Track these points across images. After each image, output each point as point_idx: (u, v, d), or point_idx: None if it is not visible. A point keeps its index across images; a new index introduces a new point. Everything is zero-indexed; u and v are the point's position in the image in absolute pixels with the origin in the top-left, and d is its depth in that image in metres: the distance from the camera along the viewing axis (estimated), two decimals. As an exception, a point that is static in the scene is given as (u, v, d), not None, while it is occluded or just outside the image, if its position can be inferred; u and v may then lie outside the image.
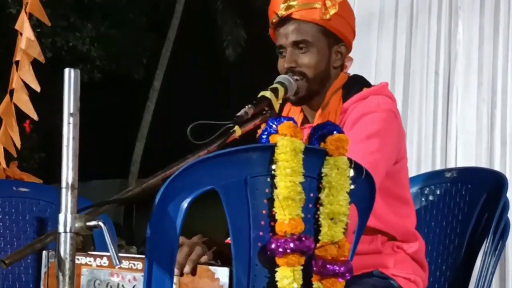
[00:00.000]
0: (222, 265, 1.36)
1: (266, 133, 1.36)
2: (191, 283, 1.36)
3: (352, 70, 1.91)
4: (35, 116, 2.99)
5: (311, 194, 1.35)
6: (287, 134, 1.32)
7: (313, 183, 1.35)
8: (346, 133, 1.67)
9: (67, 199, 1.23)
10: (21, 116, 3.07)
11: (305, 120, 1.84)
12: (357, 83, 1.80)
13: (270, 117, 1.44)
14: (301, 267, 1.30)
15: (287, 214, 1.29)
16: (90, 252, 1.54)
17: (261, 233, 1.30)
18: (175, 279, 1.36)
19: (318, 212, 1.36)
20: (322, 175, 1.35)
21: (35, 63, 3.00)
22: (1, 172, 2.94)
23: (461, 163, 3.02)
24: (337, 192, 1.34)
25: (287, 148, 1.30)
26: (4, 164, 2.96)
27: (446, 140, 3.13)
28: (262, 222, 1.30)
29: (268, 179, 1.31)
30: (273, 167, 1.31)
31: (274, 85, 1.68)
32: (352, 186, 1.36)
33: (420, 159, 3.15)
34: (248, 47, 12.27)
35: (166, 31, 12.60)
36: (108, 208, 1.33)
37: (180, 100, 12.74)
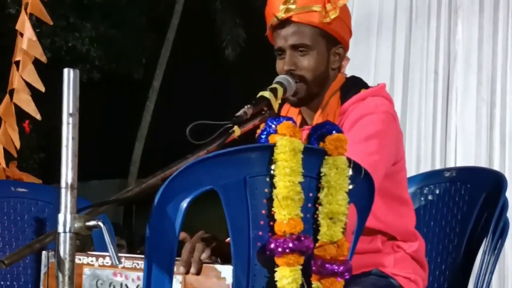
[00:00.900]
0: (223, 263, 1.36)
1: (265, 133, 1.36)
2: (197, 282, 1.36)
3: (351, 70, 1.92)
4: (38, 116, 2.99)
5: (310, 194, 1.35)
6: (286, 134, 1.32)
7: (312, 182, 1.35)
8: (345, 134, 1.67)
9: (66, 199, 1.23)
10: (20, 116, 3.06)
11: (304, 122, 1.84)
12: (355, 85, 1.80)
13: (269, 117, 1.44)
14: (300, 267, 1.30)
15: (286, 214, 1.29)
16: (91, 252, 1.54)
17: (260, 233, 1.30)
18: (180, 278, 1.36)
19: (317, 212, 1.36)
20: (321, 174, 1.35)
21: (35, 64, 3.00)
22: (0, 172, 2.94)
23: (461, 163, 3.03)
24: (336, 191, 1.34)
25: (286, 148, 1.30)
26: (4, 164, 2.95)
27: (445, 139, 3.13)
28: (262, 222, 1.31)
29: (267, 179, 1.31)
30: (272, 167, 1.31)
31: (273, 85, 1.68)
32: (351, 186, 1.36)
33: (420, 159, 3.16)
34: (248, 47, 12.27)
35: (165, 31, 12.60)
36: (108, 208, 1.33)
37: (180, 100, 12.73)
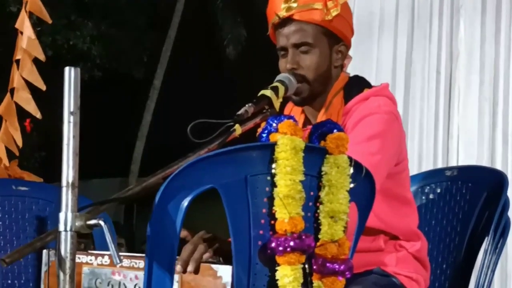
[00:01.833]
0: (224, 263, 1.36)
1: (266, 131, 1.36)
2: (193, 281, 1.36)
3: (353, 69, 1.91)
4: (38, 115, 2.99)
5: (311, 193, 1.35)
6: (287, 133, 1.32)
7: (313, 181, 1.35)
8: (348, 134, 1.67)
9: (67, 197, 1.23)
10: (21, 115, 3.06)
11: (307, 121, 1.84)
12: (358, 84, 1.80)
13: (270, 116, 1.44)
14: (301, 266, 1.30)
15: (287, 213, 1.29)
16: (91, 251, 1.54)
17: (261, 232, 1.30)
18: (177, 277, 1.36)
19: (318, 211, 1.36)
20: (322, 173, 1.35)
21: (35, 62, 3.00)
22: (2, 171, 2.94)
23: (463, 162, 3.02)
24: (337, 190, 1.34)
25: (287, 147, 1.30)
26: (6, 163, 2.96)
27: (447, 138, 3.13)
28: (262, 221, 1.30)
29: (268, 178, 1.31)
30: (273, 165, 1.31)
31: (275, 84, 1.68)
32: (352, 185, 1.36)
33: (422, 158, 3.16)
34: (249, 45, 12.27)
35: (166, 30, 12.60)
36: (109, 207, 1.33)
37: (181, 99, 12.73)
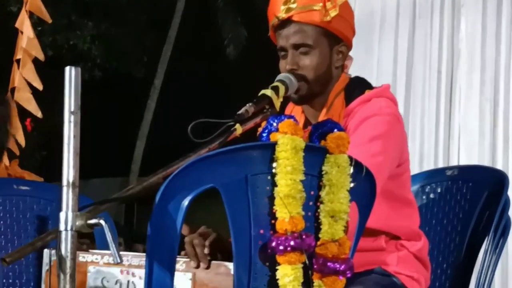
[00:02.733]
0: (225, 258, 1.36)
1: (266, 131, 1.36)
2: (206, 278, 1.36)
3: (354, 68, 1.91)
4: (39, 114, 2.99)
5: (312, 192, 1.35)
6: (288, 132, 1.32)
7: (313, 181, 1.35)
8: (349, 136, 1.67)
9: (68, 197, 1.23)
10: (22, 114, 3.07)
11: (307, 122, 1.84)
12: (359, 85, 1.80)
13: (271, 115, 1.44)
14: (302, 265, 1.30)
15: (287, 212, 1.29)
16: (96, 250, 1.54)
17: (261, 231, 1.30)
18: (190, 274, 1.37)
19: (319, 210, 1.36)
20: (323, 173, 1.35)
21: (35, 62, 3.01)
22: (2, 170, 2.94)
23: (464, 161, 3.02)
24: (337, 190, 1.34)
25: (288, 146, 1.30)
26: (7, 162, 2.96)
27: (448, 138, 3.13)
28: (263, 220, 1.30)
29: (269, 177, 1.31)
30: (274, 165, 1.31)
31: (275, 83, 1.68)
32: (353, 184, 1.36)
33: (423, 158, 3.15)
34: (249, 45, 12.26)
35: (167, 30, 12.59)
36: (109, 207, 1.33)
37: (181, 98, 12.73)
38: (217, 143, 1.45)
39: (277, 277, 1.30)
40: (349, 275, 1.35)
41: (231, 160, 1.29)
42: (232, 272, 1.32)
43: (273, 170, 1.31)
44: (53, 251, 1.54)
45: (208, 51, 12.83)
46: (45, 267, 1.57)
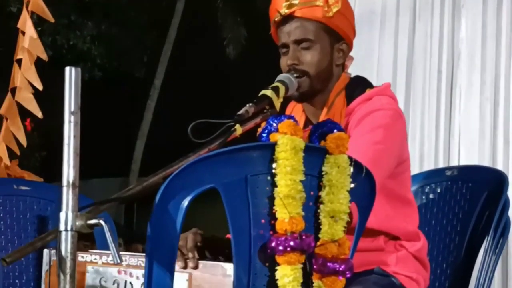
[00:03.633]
0: (214, 257, 1.37)
1: (266, 131, 1.36)
2: (202, 279, 1.37)
3: (354, 68, 1.91)
4: (39, 114, 2.99)
5: (312, 193, 1.35)
6: (288, 132, 1.32)
7: (313, 181, 1.35)
8: (351, 132, 1.67)
9: (68, 197, 1.23)
10: (22, 114, 3.07)
11: (308, 122, 1.84)
12: (360, 84, 1.81)
13: (271, 116, 1.44)
14: (302, 266, 1.31)
15: (287, 213, 1.29)
16: (95, 250, 1.54)
17: (261, 232, 1.30)
18: (187, 275, 1.37)
19: (319, 210, 1.36)
20: (323, 173, 1.35)
21: (35, 62, 3.00)
22: (2, 170, 2.94)
23: (464, 162, 3.02)
24: (337, 190, 1.34)
25: (288, 147, 1.30)
26: (7, 162, 2.96)
27: (449, 138, 3.12)
28: (263, 221, 1.31)
29: (269, 178, 1.31)
30: (274, 165, 1.31)
31: (275, 84, 1.68)
32: (353, 185, 1.36)
33: (423, 158, 3.15)
34: (249, 45, 12.26)
35: (167, 30, 12.60)
36: (109, 207, 1.33)
37: (181, 98, 12.73)
38: (217, 143, 1.45)
39: (276, 277, 1.30)
40: (348, 276, 1.36)
41: (231, 161, 1.29)
42: (228, 272, 1.32)
43: (273, 171, 1.31)
44: (53, 251, 1.55)
45: (208, 51, 12.83)
46: (45, 267, 1.58)
